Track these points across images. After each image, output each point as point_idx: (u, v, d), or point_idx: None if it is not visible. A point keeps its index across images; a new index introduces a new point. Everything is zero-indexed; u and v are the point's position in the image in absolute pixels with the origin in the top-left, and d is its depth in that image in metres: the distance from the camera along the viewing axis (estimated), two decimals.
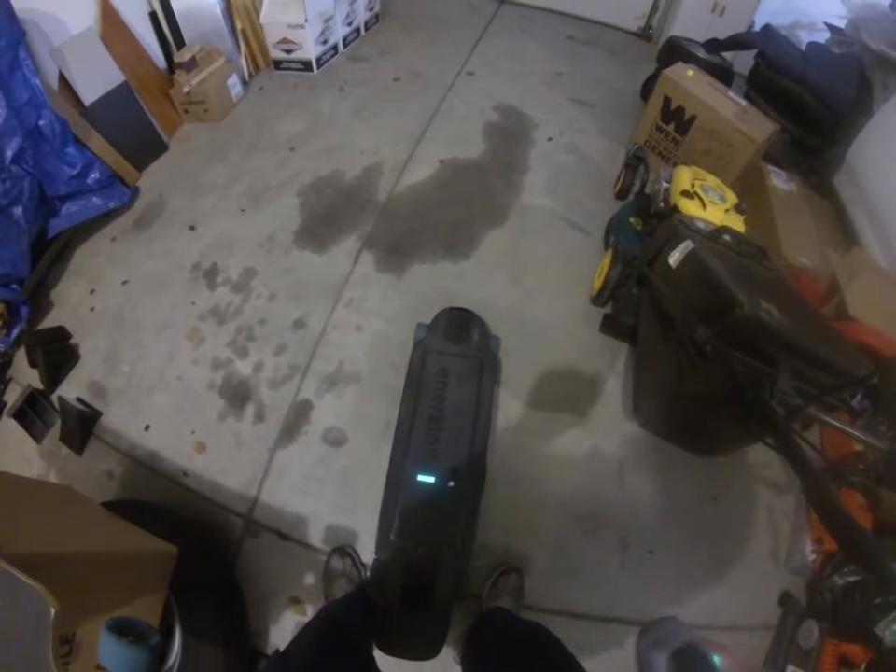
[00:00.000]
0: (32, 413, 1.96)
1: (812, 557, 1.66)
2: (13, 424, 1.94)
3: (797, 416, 1.13)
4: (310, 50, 3.13)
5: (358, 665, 1.04)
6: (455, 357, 1.76)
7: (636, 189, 2.47)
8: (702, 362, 1.34)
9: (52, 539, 1.10)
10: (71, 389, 2.04)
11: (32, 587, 0.88)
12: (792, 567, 1.71)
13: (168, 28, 2.84)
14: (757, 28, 3.01)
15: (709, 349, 1.28)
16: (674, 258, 1.56)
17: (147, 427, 1.93)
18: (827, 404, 1.27)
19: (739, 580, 1.71)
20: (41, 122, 2.06)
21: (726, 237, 1.65)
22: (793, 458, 1.05)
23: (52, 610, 0.89)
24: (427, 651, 1.33)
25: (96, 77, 2.42)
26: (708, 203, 1.87)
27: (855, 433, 1.23)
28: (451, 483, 1.48)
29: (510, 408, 1.93)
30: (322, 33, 3.14)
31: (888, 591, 1.42)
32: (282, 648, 1.02)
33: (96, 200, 2.37)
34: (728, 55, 2.94)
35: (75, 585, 0.99)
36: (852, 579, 1.54)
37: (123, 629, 0.85)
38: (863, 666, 1.45)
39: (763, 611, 1.67)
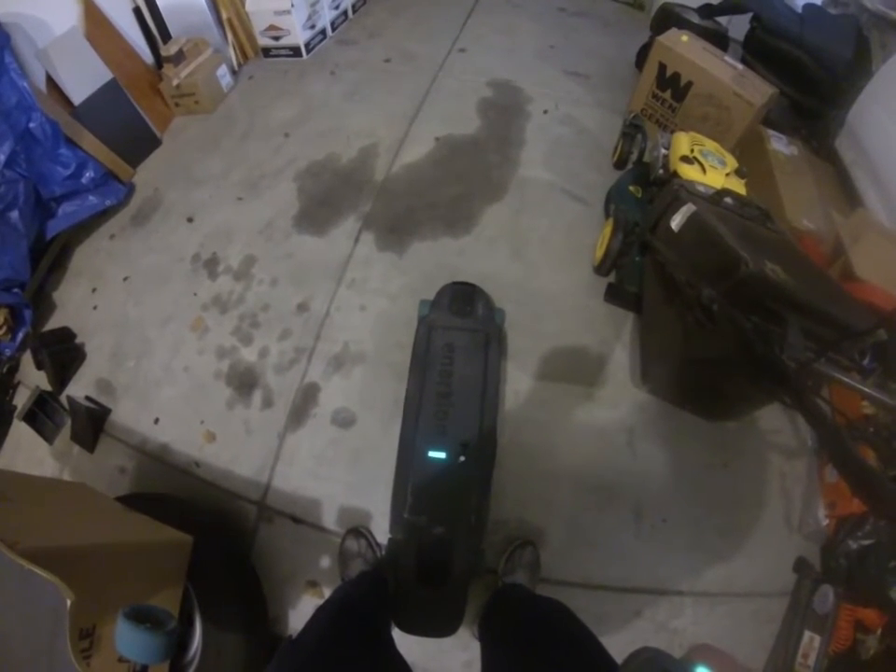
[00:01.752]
0: (42, 415, 1.97)
1: (825, 522, 1.66)
2: (24, 427, 1.94)
3: (808, 370, 1.12)
4: (298, 36, 3.10)
5: (371, 646, 1.02)
6: (460, 331, 1.75)
7: (634, 157, 2.44)
8: (709, 323, 1.33)
9: (67, 533, 1.10)
10: (79, 388, 2.05)
11: (48, 580, 0.89)
12: (806, 533, 1.71)
13: (153, 22, 2.81)
14: None
15: (716, 309, 1.27)
16: (676, 221, 1.55)
17: (156, 421, 1.94)
18: (837, 362, 1.26)
19: (753, 546, 1.71)
20: (31, 125, 2.05)
21: (728, 200, 1.64)
22: (809, 412, 1.04)
23: (68, 601, 0.89)
24: (445, 627, 1.33)
25: (84, 76, 2.41)
26: (708, 168, 1.85)
27: (866, 389, 1.22)
28: (462, 458, 1.47)
29: (517, 381, 1.93)
30: (309, 17, 3.11)
31: None
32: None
33: (92, 199, 2.36)
34: (723, 20, 2.89)
35: (91, 578, 0.99)
36: (866, 543, 1.54)
37: (140, 616, 0.85)
38: (879, 631, 1.46)
39: (779, 577, 1.67)
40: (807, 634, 1.52)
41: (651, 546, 1.69)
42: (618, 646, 0.87)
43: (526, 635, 1.02)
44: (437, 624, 1.34)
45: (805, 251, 1.83)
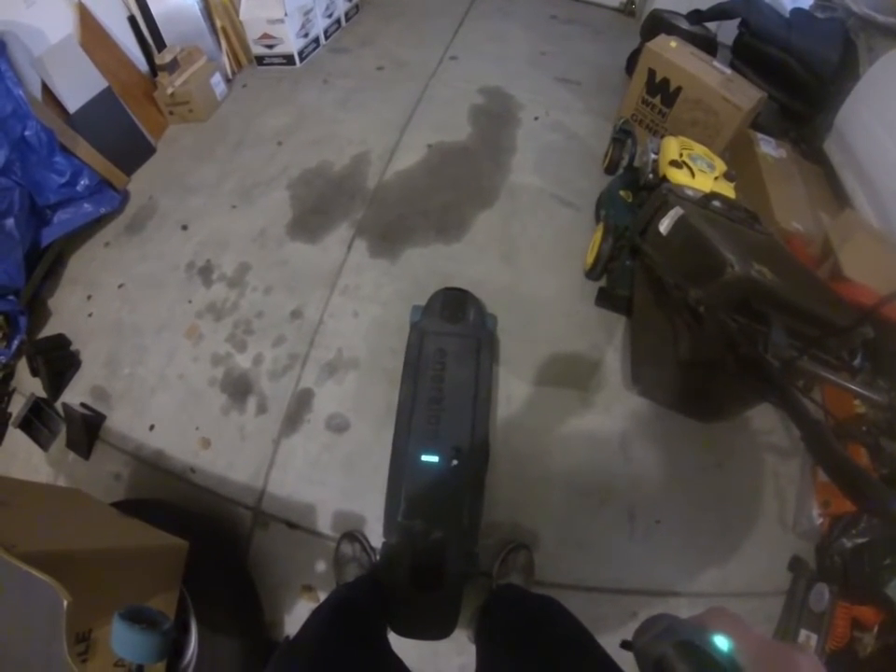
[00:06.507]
0: (37, 422, 1.96)
1: (819, 521, 1.67)
2: (19, 434, 1.94)
3: (792, 368, 1.14)
4: (291, 44, 3.12)
5: (369, 647, 1.02)
6: (451, 337, 1.76)
7: (624, 162, 2.46)
8: (697, 325, 1.34)
9: (63, 538, 1.10)
10: (74, 395, 2.04)
11: (44, 582, 0.89)
12: (800, 532, 1.72)
13: (148, 31, 2.83)
14: None
15: (703, 310, 1.28)
16: (664, 225, 1.56)
17: (151, 427, 1.94)
18: (824, 360, 1.27)
19: (748, 546, 1.72)
20: (27, 133, 2.06)
21: (716, 203, 1.65)
22: (791, 408, 1.05)
23: (65, 602, 0.89)
24: (440, 630, 1.34)
25: (79, 84, 2.42)
26: (697, 172, 1.86)
27: (854, 387, 1.23)
28: (455, 462, 1.49)
29: (510, 385, 1.94)
30: (302, 26, 3.14)
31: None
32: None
33: (87, 206, 2.37)
34: (712, 26, 2.93)
35: (87, 582, 0.99)
36: (861, 540, 1.55)
37: (135, 616, 0.85)
38: (875, 628, 1.46)
39: (774, 577, 1.68)
40: (804, 633, 1.52)
41: (646, 548, 1.70)
42: (613, 648, 0.88)
43: (519, 631, 1.02)
44: (431, 628, 1.35)
45: (792, 252, 1.85)
